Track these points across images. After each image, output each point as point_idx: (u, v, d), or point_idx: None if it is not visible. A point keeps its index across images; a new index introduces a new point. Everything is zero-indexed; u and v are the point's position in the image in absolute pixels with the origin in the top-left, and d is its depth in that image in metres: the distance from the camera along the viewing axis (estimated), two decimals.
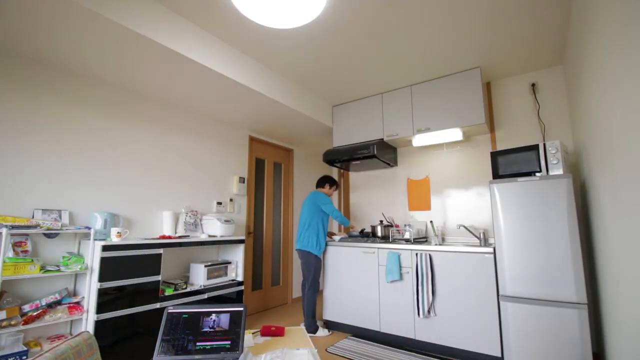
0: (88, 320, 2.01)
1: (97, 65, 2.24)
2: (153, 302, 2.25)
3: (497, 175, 2.40)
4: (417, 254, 2.61)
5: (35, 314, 1.85)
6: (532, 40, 2.40)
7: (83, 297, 2.07)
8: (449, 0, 1.98)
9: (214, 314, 1.34)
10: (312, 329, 2.92)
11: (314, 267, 2.96)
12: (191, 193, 3.06)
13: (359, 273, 2.93)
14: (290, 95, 3.07)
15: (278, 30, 2.28)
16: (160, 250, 2.33)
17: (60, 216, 2.15)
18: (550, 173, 2.17)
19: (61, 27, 1.81)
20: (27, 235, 1.99)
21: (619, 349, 1.58)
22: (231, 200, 3.44)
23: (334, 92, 3.34)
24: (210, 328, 1.30)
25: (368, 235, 3.25)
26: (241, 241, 2.98)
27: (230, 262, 2.87)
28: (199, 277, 2.63)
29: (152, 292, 2.26)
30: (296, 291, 4.26)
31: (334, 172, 5.13)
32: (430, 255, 2.56)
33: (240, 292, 2.88)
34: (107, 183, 2.45)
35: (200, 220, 2.95)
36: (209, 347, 1.25)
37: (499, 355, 2.22)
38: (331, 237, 3.30)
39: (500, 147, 2.95)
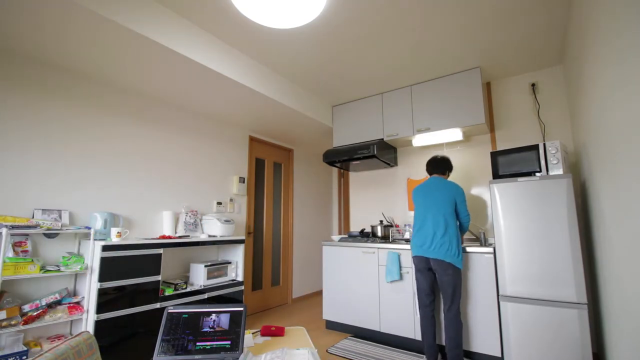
0: (88, 320, 2.00)
1: (97, 66, 2.24)
2: (153, 302, 2.25)
3: (497, 175, 2.40)
4: None
5: (35, 314, 1.85)
6: (532, 40, 2.40)
7: (83, 297, 2.07)
8: (449, 1, 1.98)
9: (214, 314, 1.34)
10: None
11: (459, 284, 2.19)
12: (191, 193, 3.06)
13: (359, 273, 2.92)
14: (290, 95, 3.07)
15: (278, 30, 2.28)
16: (160, 250, 2.33)
17: (60, 216, 2.15)
18: (550, 173, 2.17)
19: (62, 28, 1.81)
20: (27, 235, 1.99)
21: (619, 349, 1.58)
22: (231, 200, 3.44)
23: (334, 92, 3.34)
24: (210, 328, 1.30)
25: (368, 235, 3.25)
26: (241, 241, 2.98)
27: (230, 262, 2.87)
28: (199, 277, 2.63)
29: (152, 292, 2.25)
30: (296, 291, 4.26)
31: (334, 172, 5.13)
32: None
33: (240, 292, 2.88)
34: (107, 183, 2.45)
35: (200, 220, 2.96)
36: (209, 347, 1.25)
37: (499, 355, 2.22)
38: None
39: (500, 147, 2.95)
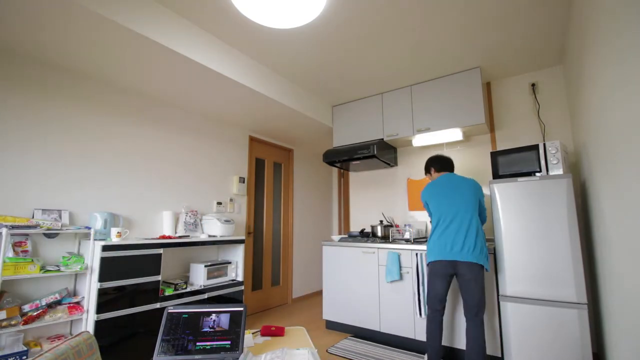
0: (88, 320, 2.01)
1: (96, 65, 2.24)
2: (153, 302, 2.25)
3: (497, 175, 2.40)
4: (417, 254, 2.61)
5: (35, 314, 1.85)
6: (532, 40, 2.40)
7: (83, 297, 2.07)
8: (449, 1, 1.98)
9: (214, 314, 1.34)
10: None
11: (483, 287, 2.02)
12: (191, 193, 3.06)
13: (359, 273, 2.92)
14: (291, 95, 3.07)
15: (278, 30, 2.28)
16: (160, 250, 2.33)
17: (60, 216, 2.15)
18: (550, 173, 2.17)
19: (63, 28, 1.81)
20: (27, 235, 1.99)
21: (619, 349, 1.58)
22: (231, 200, 3.44)
23: (334, 92, 3.34)
24: (210, 328, 1.30)
25: (368, 235, 3.25)
26: (241, 241, 2.98)
27: (230, 262, 2.87)
28: (199, 277, 2.63)
29: (152, 292, 2.25)
30: (296, 291, 4.26)
31: (334, 172, 5.13)
32: None
33: (240, 292, 2.88)
34: (107, 183, 2.45)
35: (200, 220, 2.95)
36: (209, 347, 1.25)
37: (499, 355, 2.22)
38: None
39: (500, 147, 2.95)
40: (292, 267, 4.23)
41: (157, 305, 2.27)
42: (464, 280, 2.01)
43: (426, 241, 2.93)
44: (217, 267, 2.73)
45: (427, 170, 2.43)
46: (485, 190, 2.96)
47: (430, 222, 2.23)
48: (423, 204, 2.20)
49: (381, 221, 3.31)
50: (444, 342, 2.42)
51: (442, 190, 2.19)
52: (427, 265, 2.16)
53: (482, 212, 2.20)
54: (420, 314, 2.51)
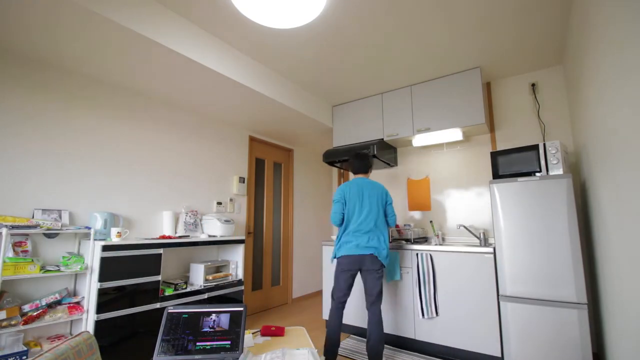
0: (88, 320, 2.00)
1: (97, 65, 2.24)
2: (153, 302, 2.25)
3: (497, 175, 2.40)
4: (417, 254, 2.61)
5: (35, 314, 1.85)
6: (532, 40, 2.40)
7: (83, 297, 2.07)
8: (449, 1, 1.98)
9: (214, 314, 1.34)
10: None
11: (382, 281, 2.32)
12: (191, 193, 3.06)
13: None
14: (290, 95, 3.07)
15: (278, 30, 2.28)
16: (160, 250, 2.33)
17: (60, 216, 2.15)
18: (550, 173, 2.17)
19: (60, 27, 1.81)
20: (27, 235, 1.99)
21: (619, 349, 1.58)
22: (231, 200, 3.44)
23: (334, 92, 3.34)
24: (210, 328, 1.30)
25: None
26: (241, 241, 2.98)
27: (230, 262, 2.86)
28: (199, 277, 2.63)
29: (152, 292, 2.25)
30: (296, 291, 4.26)
31: (334, 172, 5.13)
32: (431, 255, 2.56)
33: (241, 292, 2.88)
34: (107, 183, 2.45)
35: (200, 220, 2.95)
36: (209, 347, 1.25)
37: (499, 355, 2.22)
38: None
39: (500, 147, 2.95)
40: (292, 267, 4.23)
41: (157, 305, 2.27)
42: (367, 273, 2.27)
43: (426, 241, 2.94)
44: (217, 267, 2.73)
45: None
46: (485, 190, 2.96)
47: (333, 218, 2.36)
48: (335, 200, 2.36)
49: None
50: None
51: (356, 192, 2.32)
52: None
53: (390, 216, 2.37)
54: (423, 315, 2.51)
